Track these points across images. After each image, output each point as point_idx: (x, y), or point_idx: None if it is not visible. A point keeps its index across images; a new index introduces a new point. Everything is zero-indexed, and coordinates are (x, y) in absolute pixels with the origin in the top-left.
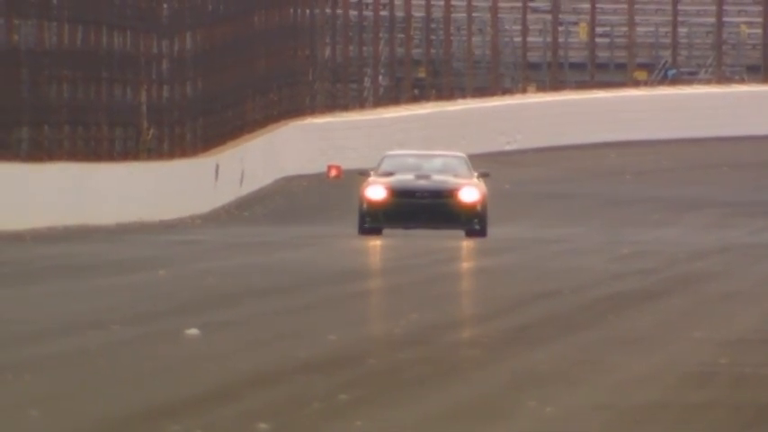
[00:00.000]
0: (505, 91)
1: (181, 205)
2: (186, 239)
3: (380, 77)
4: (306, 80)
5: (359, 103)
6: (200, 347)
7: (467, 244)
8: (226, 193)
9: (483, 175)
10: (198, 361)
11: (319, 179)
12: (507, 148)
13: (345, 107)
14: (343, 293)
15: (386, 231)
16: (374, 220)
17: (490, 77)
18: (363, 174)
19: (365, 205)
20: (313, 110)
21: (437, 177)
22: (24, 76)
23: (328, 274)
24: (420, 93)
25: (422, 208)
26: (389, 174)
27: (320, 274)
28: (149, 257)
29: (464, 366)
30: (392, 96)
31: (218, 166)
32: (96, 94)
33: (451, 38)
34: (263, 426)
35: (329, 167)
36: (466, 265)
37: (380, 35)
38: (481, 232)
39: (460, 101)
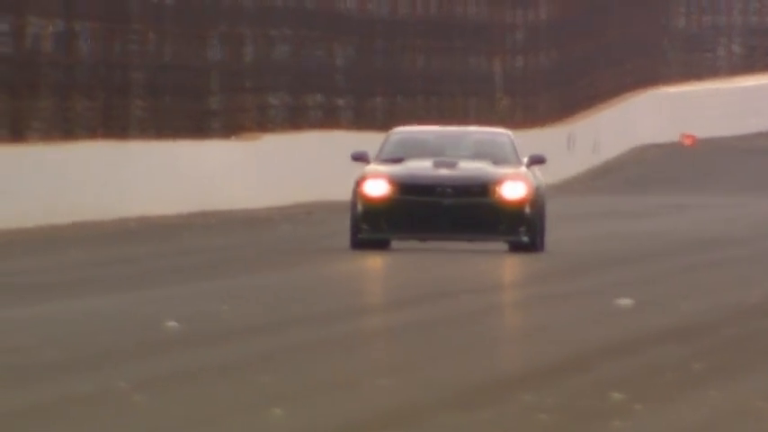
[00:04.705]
0: None
1: None
2: None
3: (734, 46)
4: (659, 50)
5: (712, 72)
6: (549, 318)
7: None
8: (579, 163)
9: (536, 162)
10: (549, 331)
11: (673, 148)
12: None
13: (699, 76)
14: (702, 261)
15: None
16: (373, 227)
17: None
18: (359, 158)
19: (360, 206)
20: (667, 79)
21: (466, 165)
22: (378, 46)
23: (686, 243)
24: None
25: (443, 211)
26: (397, 160)
27: (678, 242)
28: None
29: None
30: (747, 65)
31: (572, 136)
32: (450, 63)
33: None
34: (616, 395)
35: (683, 136)
36: None
37: (735, 4)
38: (531, 245)
39: None
